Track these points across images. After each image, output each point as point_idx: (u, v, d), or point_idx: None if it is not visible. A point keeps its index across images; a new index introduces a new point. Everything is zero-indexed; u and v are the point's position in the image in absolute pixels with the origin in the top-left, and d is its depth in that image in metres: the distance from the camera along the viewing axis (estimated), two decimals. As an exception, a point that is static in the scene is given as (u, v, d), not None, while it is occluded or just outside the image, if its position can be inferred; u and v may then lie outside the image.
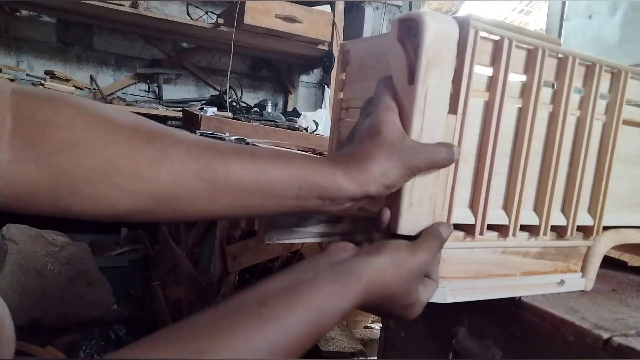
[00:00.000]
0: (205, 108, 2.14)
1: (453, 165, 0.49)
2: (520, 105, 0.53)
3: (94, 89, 2.56)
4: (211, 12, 2.64)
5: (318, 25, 2.48)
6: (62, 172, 0.33)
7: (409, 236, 0.47)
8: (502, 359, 0.58)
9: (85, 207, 0.34)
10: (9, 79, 2.09)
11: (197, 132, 1.50)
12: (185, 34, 2.61)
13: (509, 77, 0.50)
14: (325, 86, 2.99)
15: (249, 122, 1.91)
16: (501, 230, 0.54)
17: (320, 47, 2.64)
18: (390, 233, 0.47)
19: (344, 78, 0.63)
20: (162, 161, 0.36)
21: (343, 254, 0.42)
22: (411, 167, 0.44)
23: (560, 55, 0.54)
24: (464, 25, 0.46)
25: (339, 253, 0.42)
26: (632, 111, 0.62)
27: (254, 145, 1.46)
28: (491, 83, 0.50)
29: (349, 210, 0.45)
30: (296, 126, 2.07)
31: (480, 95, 0.50)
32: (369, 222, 0.53)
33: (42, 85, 2.16)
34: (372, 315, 2.01)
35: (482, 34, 0.47)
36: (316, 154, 1.51)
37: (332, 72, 2.76)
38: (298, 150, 1.53)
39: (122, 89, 2.69)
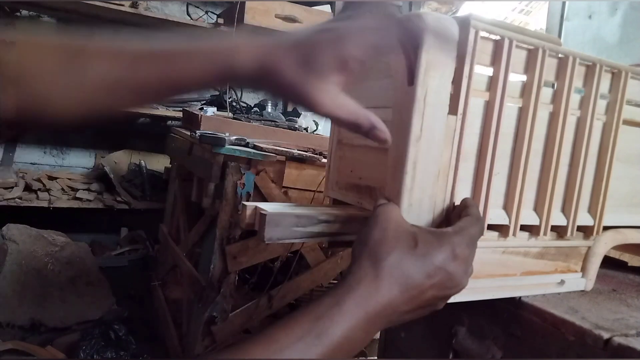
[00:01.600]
0: (205, 108, 2.14)
1: (453, 165, 0.49)
2: (520, 105, 0.53)
3: (94, 89, 2.56)
4: (211, 12, 2.64)
5: (318, 25, 2.48)
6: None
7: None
8: (502, 359, 0.58)
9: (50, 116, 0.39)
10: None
11: (197, 132, 1.50)
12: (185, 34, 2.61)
13: (509, 77, 0.50)
14: (325, 86, 2.98)
15: (249, 122, 1.91)
16: (501, 230, 0.55)
17: (320, 47, 2.64)
18: None
19: (344, 78, 0.63)
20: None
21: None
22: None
23: (560, 55, 0.54)
24: (464, 26, 0.46)
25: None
26: (632, 111, 0.62)
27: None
28: (491, 83, 0.50)
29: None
30: (296, 126, 2.07)
31: (481, 95, 0.50)
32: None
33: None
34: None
35: (483, 34, 0.47)
36: (316, 154, 1.51)
37: (332, 72, 2.75)
38: (298, 150, 1.53)
39: (122, 89, 2.69)
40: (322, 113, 0.42)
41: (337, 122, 0.44)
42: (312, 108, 0.42)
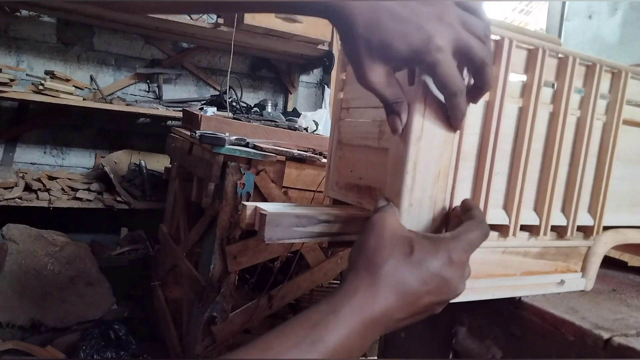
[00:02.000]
0: (205, 108, 2.14)
1: (453, 165, 0.49)
2: (520, 105, 0.53)
3: (94, 88, 2.56)
4: (211, 12, 2.64)
5: (318, 25, 2.48)
6: None
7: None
8: (502, 359, 0.58)
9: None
10: (9, 79, 2.09)
11: (197, 132, 1.50)
12: (185, 34, 2.62)
13: (509, 77, 0.50)
14: (325, 86, 2.98)
15: (249, 122, 1.91)
16: (501, 230, 0.54)
17: (320, 47, 2.64)
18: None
19: (345, 78, 0.63)
20: None
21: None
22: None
23: (560, 55, 0.54)
24: (464, 25, 0.46)
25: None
26: (632, 111, 0.62)
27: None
28: (491, 83, 0.50)
29: None
30: (296, 126, 2.07)
31: (481, 95, 0.50)
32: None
33: (42, 85, 2.16)
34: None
35: (482, 34, 0.47)
36: (316, 154, 1.51)
37: (332, 72, 2.76)
38: (298, 150, 1.52)
39: (122, 89, 2.69)
40: (365, 86, 0.43)
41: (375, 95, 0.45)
42: (359, 77, 0.43)
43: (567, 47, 0.54)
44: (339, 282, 1.80)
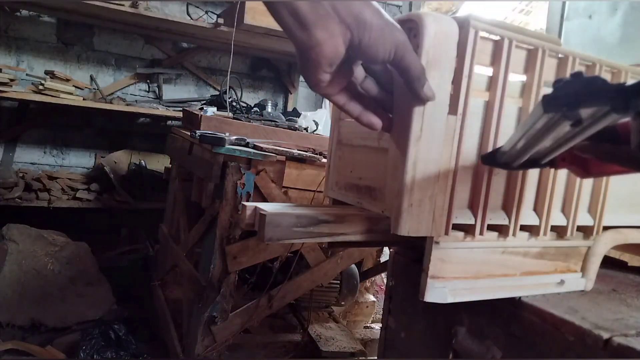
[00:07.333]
0: (205, 108, 2.14)
1: (453, 165, 0.49)
2: (520, 105, 0.53)
3: (94, 88, 2.56)
4: (211, 12, 2.64)
5: (318, 25, 2.48)
6: None
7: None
8: (502, 359, 0.58)
9: None
10: (9, 79, 2.09)
11: (197, 132, 1.50)
12: (185, 34, 2.61)
13: (509, 77, 0.50)
14: (326, 86, 2.98)
15: (249, 122, 1.91)
16: (501, 230, 0.55)
17: (320, 47, 2.64)
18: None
19: (344, 78, 0.63)
20: None
21: None
22: None
23: (560, 55, 0.54)
24: (463, 26, 0.46)
25: None
26: (632, 111, 0.62)
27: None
28: (491, 83, 0.50)
29: None
30: (296, 126, 2.07)
31: (480, 95, 0.50)
32: (369, 223, 0.54)
33: (42, 85, 2.16)
34: (372, 315, 2.02)
35: (482, 34, 0.47)
36: (316, 154, 1.51)
37: (332, 72, 2.75)
38: (298, 150, 1.52)
39: (122, 88, 2.69)
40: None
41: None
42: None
43: (567, 47, 0.54)
44: (339, 282, 1.80)
